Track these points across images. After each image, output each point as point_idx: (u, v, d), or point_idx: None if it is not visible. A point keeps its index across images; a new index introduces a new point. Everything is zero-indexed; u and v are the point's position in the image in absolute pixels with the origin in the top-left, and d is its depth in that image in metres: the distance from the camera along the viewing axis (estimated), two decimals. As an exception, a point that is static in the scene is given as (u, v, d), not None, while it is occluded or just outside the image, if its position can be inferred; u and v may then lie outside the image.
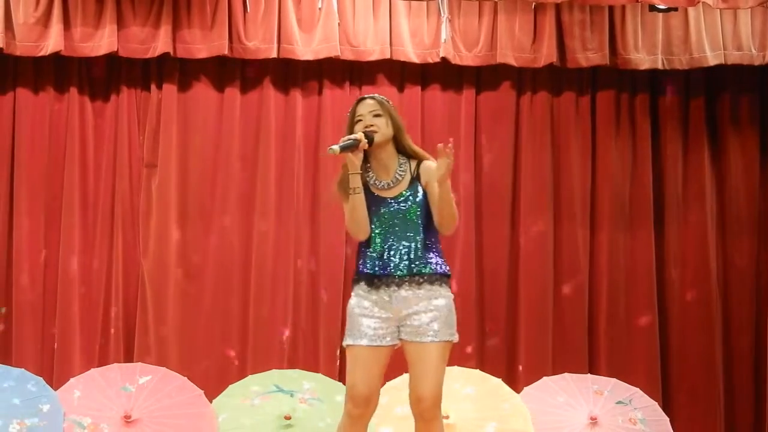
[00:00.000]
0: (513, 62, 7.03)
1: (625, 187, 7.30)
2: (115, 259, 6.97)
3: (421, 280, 4.30)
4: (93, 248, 6.98)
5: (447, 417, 6.00)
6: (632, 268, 7.26)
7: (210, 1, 6.82)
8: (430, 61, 7.01)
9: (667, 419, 6.50)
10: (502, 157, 7.25)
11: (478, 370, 6.54)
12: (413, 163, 4.40)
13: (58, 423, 5.93)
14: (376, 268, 4.31)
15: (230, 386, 6.39)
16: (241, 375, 6.72)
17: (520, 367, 7.07)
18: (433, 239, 4.37)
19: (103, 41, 6.74)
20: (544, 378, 6.63)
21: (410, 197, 4.35)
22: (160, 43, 6.78)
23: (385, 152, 4.38)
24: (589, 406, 6.37)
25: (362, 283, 4.34)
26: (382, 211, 4.33)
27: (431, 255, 4.34)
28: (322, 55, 6.90)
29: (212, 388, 6.44)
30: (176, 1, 6.82)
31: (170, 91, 7.03)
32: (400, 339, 4.32)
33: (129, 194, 7.03)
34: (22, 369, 6.30)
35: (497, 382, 6.41)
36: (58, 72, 7.01)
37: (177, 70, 7.05)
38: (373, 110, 4.36)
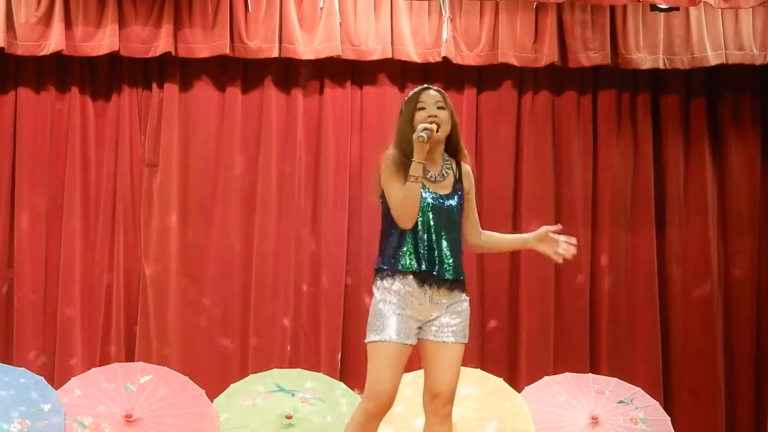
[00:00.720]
0: (514, 62, 7.03)
1: (626, 186, 7.29)
2: (116, 259, 6.97)
3: (454, 286, 4.30)
4: (94, 247, 6.98)
5: (448, 416, 6.00)
6: (633, 267, 7.26)
7: (211, 0, 6.82)
8: (432, 60, 7.01)
9: (668, 419, 6.50)
10: (503, 156, 7.25)
11: (479, 370, 6.53)
12: (453, 163, 4.39)
13: (59, 422, 5.93)
14: (424, 265, 4.24)
15: (231, 386, 6.39)
16: (243, 374, 6.72)
17: (522, 367, 7.07)
18: (461, 244, 4.38)
19: (104, 41, 6.75)
20: (545, 377, 6.63)
21: (455, 199, 4.34)
22: (162, 43, 6.78)
23: (437, 147, 4.34)
24: (590, 406, 6.36)
25: (398, 278, 4.25)
26: (430, 204, 4.28)
27: (462, 260, 4.35)
28: (323, 55, 6.90)
29: (213, 387, 6.44)
30: (178, 0, 6.82)
31: (171, 91, 7.04)
32: (420, 338, 4.29)
33: (130, 193, 7.03)
34: (23, 368, 6.30)
35: (498, 382, 6.41)
36: (60, 71, 7.01)
37: (178, 70, 7.05)
38: (438, 102, 4.33)
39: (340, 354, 6.95)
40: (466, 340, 4.33)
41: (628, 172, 7.31)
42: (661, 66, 7.09)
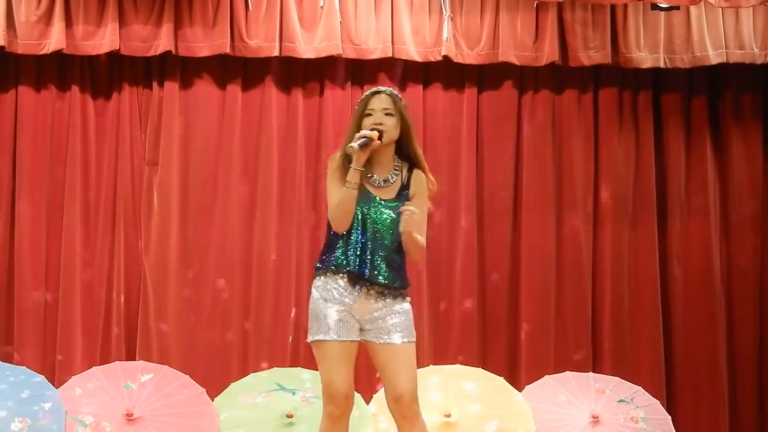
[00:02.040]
0: (515, 61, 7.03)
1: (627, 185, 7.29)
2: (116, 257, 6.96)
3: (388, 291, 4.29)
4: (95, 246, 6.97)
5: (449, 415, 6.01)
6: (635, 266, 7.25)
7: (212, -1, 6.84)
8: (432, 59, 7.01)
9: (669, 418, 6.50)
10: (504, 155, 7.24)
11: (480, 369, 6.54)
12: (405, 169, 4.37)
13: (60, 421, 5.93)
14: (357, 267, 4.26)
15: (232, 384, 6.39)
16: (243, 373, 6.72)
17: (522, 366, 7.07)
18: (401, 251, 4.35)
19: (105, 39, 6.74)
20: (546, 376, 6.63)
21: (396, 205, 4.31)
22: (162, 42, 6.78)
23: (385, 152, 4.33)
24: (590, 405, 6.36)
25: (331, 276, 4.28)
26: (369, 208, 4.30)
27: (403, 268, 4.34)
28: (323, 54, 6.90)
29: (214, 386, 6.44)
30: (178, -1, 6.84)
31: (172, 89, 7.03)
32: (366, 340, 4.30)
33: (131, 192, 7.03)
34: (24, 367, 6.31)
35: (499, 381, 6.41)
36: (60, 70, 7.01)
37: (179, 69, 7.04)
38: (386, 107, 4.31)
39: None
40: (414, 339, 4.32)
41: (629, 171, 7.30)
42: (662, 65, 7.09)
